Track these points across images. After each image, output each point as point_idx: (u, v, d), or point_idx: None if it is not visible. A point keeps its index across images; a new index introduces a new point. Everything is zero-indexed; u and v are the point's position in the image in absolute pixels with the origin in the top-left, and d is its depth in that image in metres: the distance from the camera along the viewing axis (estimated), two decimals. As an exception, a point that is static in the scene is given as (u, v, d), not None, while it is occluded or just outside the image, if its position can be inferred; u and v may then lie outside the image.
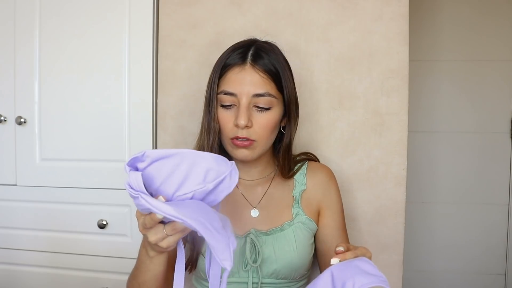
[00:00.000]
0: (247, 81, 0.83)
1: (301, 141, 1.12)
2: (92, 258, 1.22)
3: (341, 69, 1.11)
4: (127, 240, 1.20)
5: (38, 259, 1.25)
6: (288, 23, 1.12)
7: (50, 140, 1.22)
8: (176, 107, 1.16)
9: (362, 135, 1.11)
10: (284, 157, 0.93)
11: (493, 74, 1.86)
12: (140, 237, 1.14)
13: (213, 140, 0.86)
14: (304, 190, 0.93)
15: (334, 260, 0.63)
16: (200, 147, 0.89)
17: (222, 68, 0.86)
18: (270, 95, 0.84)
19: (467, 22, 1.85)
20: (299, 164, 0.97)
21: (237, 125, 0.83)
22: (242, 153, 0.85)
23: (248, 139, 0.84)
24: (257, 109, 0.85)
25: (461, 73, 1.88)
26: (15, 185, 1.24)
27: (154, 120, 1.18)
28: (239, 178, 0.92)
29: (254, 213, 0.91)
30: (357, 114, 1.11)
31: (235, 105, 0.84)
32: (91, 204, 1.21)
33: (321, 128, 1.13)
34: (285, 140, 0.92)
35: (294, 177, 0.95)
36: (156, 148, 1.18)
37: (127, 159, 0.68)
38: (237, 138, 0.84)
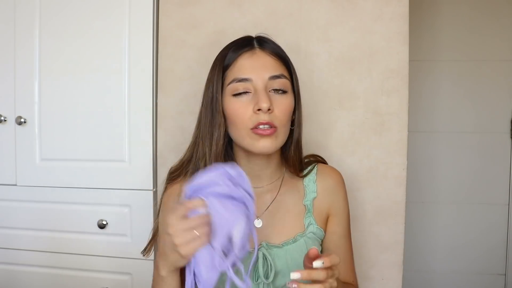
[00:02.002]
0: (260, 64, 0.80)
1: (301, 141, 1.11)
2: (92, 258, 1.22)
3: (341, 69, 1.11)
4: (127, 240, 1.19)
5: (38, 259, 1.25)
6: (288, 23, 1.12)
7: (50, 140, 1.22)
8: (176, 107, 1.16)
9: (362, 135, 1.11)
10: (295, 151, 0.88)
11: (493, 74, 1.86)
12: (139, 236, 1.14)
13: (218, 136, 0.80)
14: (315, 197, 0.89)
15: (294, 275, 0.63)
16: (199, 155, 0.83)
17: (227, 59, 0.81)
18: (285, 77, 0.81)
19: (467, 22, 1.86)
20: (310, 167, 0.92)
21: (258, 110, 0.77)
22: (265, 143, 0.79)
23: (271, 125, 0.78)
24: (274, 92, 0.80)
25: (461, 73, 1.88)
26: (15, 185, 1.24)
27: (154, 120, 1.18)
28: None
29: (258, 223, 0.86)
30: (357, 114, 1.11)
31: (249, 92, 0.79)
32: (91, 204, 1.21)
33: (321, 128, 1.13)
34: (295, 133, 0.87)
35: (304, 183, 0.90)
36: (156, 147, 1.18)
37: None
38: (258, 126, 0.78)
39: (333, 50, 1.11)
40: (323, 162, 0.97)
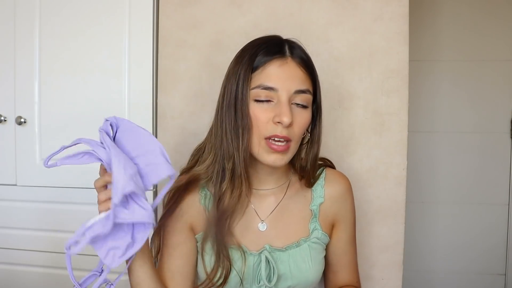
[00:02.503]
0: (289, 76, 0.77)
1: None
2: (92, 258, 1.22)
3: (341, 69, 1.11)
4: (127, 240, 1.20)
5: (38, 259, 1.25)
6: (288, 23, 1.12)
7: (50, 140, 1.22)
8: (176, 107, 1.16)
9: (362, 135, 1.11)
10: (312, 166, 0.86)
11: (493, 74, 1.86)
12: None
13: (248, 140, 0.77)
14: (322, 203, 0.88)
15: None
16: (224, 155, 0.79)
17: (257, 61, 0.77)
18: (309, 92, 0.79)
19: (467, 22, 1.86)
20: (318, 172, 0.90)
21: (278, 122, 0.75)
22: (276, 158, 0.78)
23: (287, 140, 0.77)
24: (296, 106, 0.78)
25: (461, 73, 1.88)
26: (15, 185, 1.24)
27: (154, 120, 1.18)
28: (252, 188, 0.87)
29: (262, 226, 0.86)
30: (357, 114, 1.11)
31: (271, 100, 0.77)
32: (91, 204, 1.20)
33: (321, 128, 1.13)
34: (314, 148, 0.85)
35: (311, 188, 0.89)
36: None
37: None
38: (273, 138, 0.76)
39: (333, 50, 1.11)
40: (331, 166, 0.96)
